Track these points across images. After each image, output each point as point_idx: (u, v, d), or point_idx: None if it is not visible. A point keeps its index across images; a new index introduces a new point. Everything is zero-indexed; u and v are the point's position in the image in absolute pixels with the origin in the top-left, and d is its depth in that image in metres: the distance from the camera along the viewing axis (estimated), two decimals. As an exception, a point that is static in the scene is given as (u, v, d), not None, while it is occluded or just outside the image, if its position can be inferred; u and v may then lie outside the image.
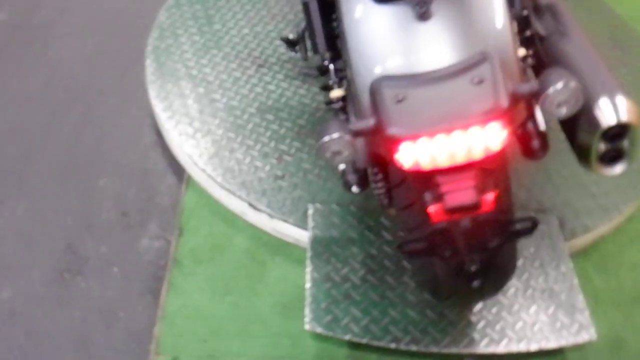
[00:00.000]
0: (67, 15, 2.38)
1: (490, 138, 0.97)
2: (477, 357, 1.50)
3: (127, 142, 1.98)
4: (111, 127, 2.01)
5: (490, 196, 1.00)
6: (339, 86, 1.35)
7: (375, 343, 1.48)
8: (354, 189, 1.35)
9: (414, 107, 0.98)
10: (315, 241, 1.65)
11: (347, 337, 1.49)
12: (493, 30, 1.08)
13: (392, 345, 1.48)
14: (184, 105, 1.93)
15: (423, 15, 1.05)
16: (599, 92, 1.15)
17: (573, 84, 0.96)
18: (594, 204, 1.77)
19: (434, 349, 1.49)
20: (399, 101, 0.99)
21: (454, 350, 1.49)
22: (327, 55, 1.39)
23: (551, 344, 1.51)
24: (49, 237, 1.74)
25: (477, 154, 0.97)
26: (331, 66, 1.39)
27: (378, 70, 1.07)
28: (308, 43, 1.46)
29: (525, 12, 1.32)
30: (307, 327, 1.50)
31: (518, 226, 1.12)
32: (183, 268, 1.68)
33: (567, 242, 1.69)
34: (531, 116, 1.20)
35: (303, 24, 1.51)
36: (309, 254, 1.62)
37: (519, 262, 1.63)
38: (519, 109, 1.06)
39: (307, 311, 1.52)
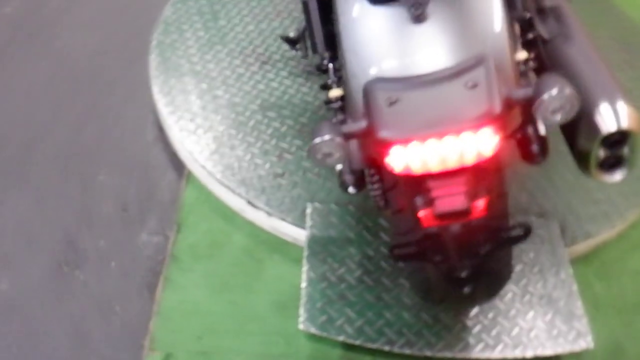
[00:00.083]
0: (73, 9, 2.39)
1: (482, 143, 0.95)
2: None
3: (130, 136, 1.98)
4: (114, 122, 2.02)
5: (481, 202, 0.99)
6: (338, 86, 1.34)
7: (369, 345, 1.48)
8: (350, 189, 1.34)
9: (406, 110, 0.97)
10: (313, 240, 1.64)
11: (341, 338, 1.49)
12: (489, 33, 1.06)
13: (386, 348, 1.48)
14: (186, 101, 1.93)
15: (418, 18, 1.03)
16: (600, 98, 1.13)
17: (568, 90, 0.94)
18: (596, 209, 1.75)
19: (428, 353, 1.48)
20: (392, 104, 0.98)
21: (448, 354, 1.48)
22: (326, 54, 1.38)
23: (547, 351, 1.49)
24: (48, 230, 1.75)
25: (469, 159, 0.96)
26: (330, 65, 1.38)
27: (372, 72, 1.06)
28: (308, 42, 1.45)
29: (527, 15, 1.30)
30: (301, 326, 1.49)
31: (511, 233, 1.10)
32: (181, 264, 1.68)
33: (567, 248, 1.67)
34: (531, 120, 1.18)
35: (304, 23, 1.50)
36: (305, 253, 1.62)
37: (518, 268, 1.62)
38: (514, 114, 1.05)
39: (301, 311, 1.52)
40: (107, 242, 1.73)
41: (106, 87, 2.12)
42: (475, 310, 1.54)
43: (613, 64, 2.01)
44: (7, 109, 2.06)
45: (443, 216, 0.97)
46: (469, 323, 1.53)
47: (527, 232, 1.11)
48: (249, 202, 1.73)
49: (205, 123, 1.88)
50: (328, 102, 1.42)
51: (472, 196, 0.98)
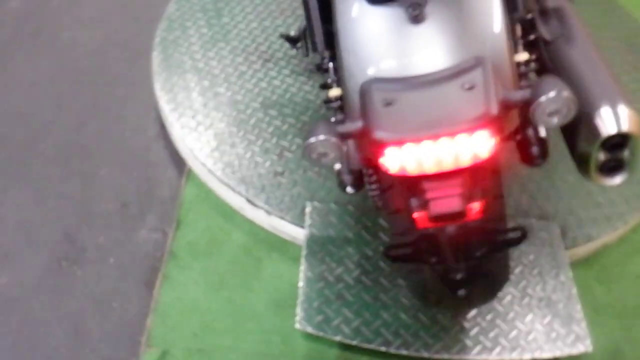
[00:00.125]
0: (77, 5, 2.40)
1: (478, 145, 0.95)
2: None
3: (131, 133, 1.99)
4: (116, 118, 2.02)
5: (477, 204, 0.98)
6: (338, 85, 1.34)
7: (366, 345, 1.47)
8: (349, 189, 1.34)
9: (402, 111, 0.96)
10: (311, 239, 1.64)
11: (338, 338, 1.49)
12: (488, 34, 1.06)
13: (383, 349, 1.47)
14: (188, 98, 1.93)
15: (416, 18, 1.03)
16: (601, 100, 1.12)
17: (566, 93, 0.93)
18: (598, 213, 1.74)
19: (425, 354, 1.47)
20: (388, 104, 0.97)
21: (445, 356, 1.47)
22: (326, 53, 1.37)
23: (545, 354, 1.48)
24: (48, 225, 1.76)
25: (465, 161, 0.95)
26: (330, 65, 1.37)
27: (369, 72, 1.05)
28: (309, 40, 1.45)
29: (529, 16, 1.29)
30: (297, 326, 1.49)
31: (506, 236, 1.09)
32: (179, 261, 1.69)
33: (568, 251, 1.66)
34: (530, 122, 1.17)
35: (305, 21, 1.50)
36: (304, 252, 1.61)
37: (517, 270, 1.61)
38: (512, 116, 1.04)
39: (298, 310, 1.51)
40: (107, 239, 1.74)
41: (109, 84, 2.12)
42: (473, 312, 1.53)
43: (617, 66, 2.01)
44: (10, 104, 2.07)
45: (438, 218, 0.96)
46: (467, 325, 1.52)
47: (523, 235, 1.10)
48: (249, 200, 1.72)
49: (207, 120, 1.88)
50: (328, 101, 1.41)
51: (468, 198, 0.97)
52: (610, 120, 1.09)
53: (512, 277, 1.60)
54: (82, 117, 2.02)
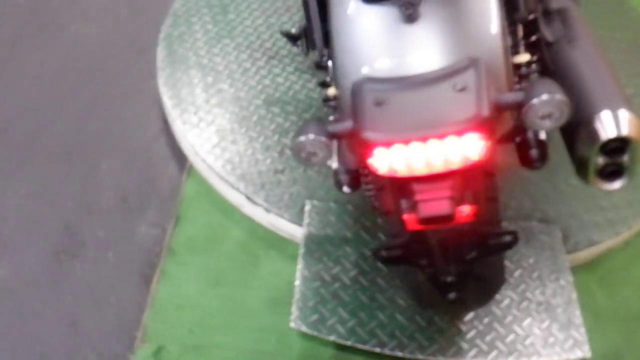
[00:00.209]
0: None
1: (468, 148, 0.93)
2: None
3: (134, 128, 1.99)
4: (119, 112, 2.03)
5: (467, 207, 0.97)
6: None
7: (360, 346, 1.46)
8: (345, 189, 1.33)
9: (392, 111, 0.95)
10: (309, 238, 1.63)
11: (332, 337, 1.48)
12: (483, 35, 1.04)
13: (377, 350, 1.46)
14: (191, 94, 1.93)
15: (410, 17, 1.01)
16: (601, 104, 1.10)
17: (559, 96, 0.91)
18: (601, 217, 1.71)
19: (420, 356, 1.46)
20: (378, 104, 0.96)
21: (440, 358, 1.46)
22: (325, 51, 1.37)
23: (542, 359, 1.46)
24: (48, 218, 1.77)
25: (455, 163, 0.94)
26: (329, 63, 1.36)
27: (362, 71, 1.04)
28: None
29: (531, 16, 1.27)
30: (292, 324, 1.48)
31: (498, 240, 1.08)
32: (177, 257, 1.69)
33: (569, 255, 1.64)
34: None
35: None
36: (301, 250, 1.61)
37: (517, 273, 1.59)
38: (505, 118, 1.02)
39: (293, 309, 1.51)
40: (106, 233, 1.74)
41: (113, 78, 2.13)
42: (470, 315, 1.52)
43: (625, 68, 1.98)
44: (15, 97, 2.08)
45: (426, 220, 0.95)
46: (464, 328, 1.51)
47: (515, 239, 1.08)
48: (248, 198, 1.72)
49: (209, 117, 1.88)
50: (326, 99, 1.41)
51: (457, 201, 0.95)
52: (610, 124, 1.07)
53: (511, 280, 1.58)
54: (85, 111, 2.03)
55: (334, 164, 1.33)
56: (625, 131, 1.06)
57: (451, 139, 0.92)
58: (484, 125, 0.92)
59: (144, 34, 2.23)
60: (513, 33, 1.30)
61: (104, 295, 1.62)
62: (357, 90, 1.00)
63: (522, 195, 1.73)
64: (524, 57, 1.28)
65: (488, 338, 1.49)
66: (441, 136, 0.91)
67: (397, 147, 0.93)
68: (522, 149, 1.20)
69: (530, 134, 1.20)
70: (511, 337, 1.49)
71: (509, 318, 1.52)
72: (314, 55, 1.63)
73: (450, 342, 1.48)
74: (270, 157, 1.79)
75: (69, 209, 1.79)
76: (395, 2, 1.02)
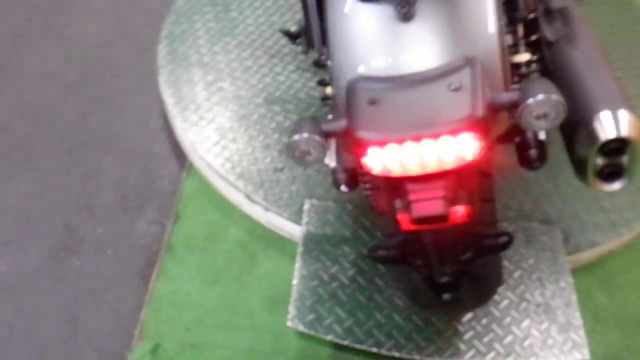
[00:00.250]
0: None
1: (462, 147, 0.92)
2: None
3: (135, 125, 1.99)
4: (120, 110, 2.03)
5: (461, 208, 0.96)
6: (335, 82, 1.32)
7: (357, 346, 1.46)
8: (343, 188, 1.32)
9: (386, 110, 0.94)
10: (308, 237, 1.63)
11: (329, 337, 1.47)
12: (480, 34, 1.03)
13: (374, 350, 1.45)
14: (191, 91, 1.93)
15: (405, 16, 1.00)
16: (601, 104, 1.09)
17: (555, 97, 0.90)
18: (603, 218, 1.69)
19: (417, 357, 1.45)
20: (372, 103, 0.95)
21: (437, 359, 1.45)
22: (324, 50, 1.36)
23: (540, 361, 1.46)
24: (49, 215, 1.78)
25: (449, 163, 0.93)
26: (329, 62, 1.36)
27: (358, 70, 1.03)
28: (309, 36, 1.43)
29: (532, 16, 1.26)
30: (289, 323, 1.48)
31: (493, 240, 1.07)
32: (175, 255, 1.69)
33: (570, 256, 1.62)
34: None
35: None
36: (299, 249, 1.60)
37: (516, 274, 1.58)
38: (501, 119, 1.01)
39: (290, 308, 1.50)
40: (105, 230, 1.75)
41: (115, 76, 2.14)
42: (468, 316, 1.51)
43: (631, 69, 1.96)
44: (18, 93, 2.09)
45: (420, 220, 0.94)
46: (461, 328, 1.50)
47: (509, 241, 1.07)
48: (247, 196, 1.72)
49: (209, 115, 1.87)
50: (325, 98, 1.40)
51: (451, 201, 0.95)
52: (609, 124, 1.06)
53: (510, 281, 1.57)
54: (87, 108, 2.04)
55: (332, 162, 1.33)
56: (624, 132, 1.05)
57: (445, 139, 0.91)
58: (479, 125, 0.91)
59: (146, 31, 2.24)
60: (513, 32, 1.30)
61: (102, 292, 1.62)
62: (351, 88, 0.99)
63: (524, 196, 1.72)
64: (524, 57, 1.27)
65: (486, 339, 1.48)
66: (435, 136, 0.90)
67: (391, 147, 0.92)
68: (522, 149, 1.19)
69: (529, 134, 1.19)
70: (509, 338, 1.48)
71: (508, 319, 1.51)
72: (313, 54, 1.63)
73: (448, 342, 1.47)
74: (269, 156, 1.79)
75: (69, 206, 1.79)
76: (391, 0, 1.02)
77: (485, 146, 0.94)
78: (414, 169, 0.94)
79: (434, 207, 0.93)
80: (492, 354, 1.46)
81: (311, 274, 1.56)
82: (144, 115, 2.02)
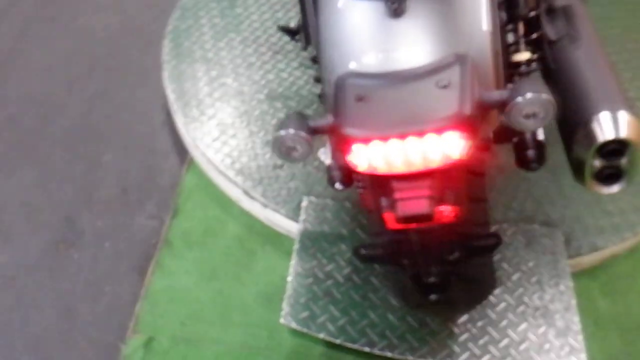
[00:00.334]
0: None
1: (449, 146, 0.91)
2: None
3: (137, 120, 2.00)
4: (124, 104, 2.04)
5: (448, 207, 0.95)
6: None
7: (349, 345, 1.45)
8: (337, 185, 1.31)
9: (372, 107, 0.93)
10: (304, 234, 1.62)
11: (322, 335, 1.46)
12: (472, 32, 1.01)
13: (366, 349, 1.44)
14: (194, 87, 1.93)
15: (396, 12, 0.99)
16: (600, 105, 1.07)
17: (545, 96, 0.88)
18: (606, 221, 1.66)
19: (410, 358, 1.43)
20: (359, 100, 0.94)
21: (430, 361, 1.44)
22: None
23: (536, 365, 1.43)
24: (50, 208, 1.79)
25: (435, 162, 0.91)
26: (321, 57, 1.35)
27: (349, 66, 1.02)
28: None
29: (533, 13, 1.24)
30: (282, 320, 1.48)
31: (480, 242, 1.05)
32: (173, 249, 1.69)
33: (571, 260, 1.60)
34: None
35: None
36: (296, 246, 1.60)
37: (515, 277, 1.55)
38: (491, 118, 0.99)
39: (284, 305, 1.50)
40: (105, 223, 1.76)
41: (120, 70, 2.15)
42: (464, 318, 1.49)
43: (630, 68, 1.92)
44: (23, 87, 2.11)
45: (405, 219, 0.93)
46: (456, 330, 1.48)
47: (497, 242, 1.05)
48: (245, 192, 1.72)
49: (210, 110, 1.87)
50: (321, 94, 1.39)
51: (437, 201, 0.93)
52: (608, 125, 1.03)
53: (508, 284, 1.54)
54: (92, 102, 2.05)
55: (328, 160, 1.32)
56: (623, 133, 1.02)
57: (431, 137, 0.89)
58: (466, 123, 0.89)
59: (152, 26, 2.24)
60: (514, 30, 1.27)
61: (99, 285, 1.63)
62: (339, 85, 0.98)
63: (525, 197, 1.69)
64: (524, 55, 1.25)
65: (481, 342, 1.46)
66: (420, 134, 0.89)
67: (376, 144, 0.91)
68: (519, 150, 1.17)
69: (528, 135, 1.17)
70: (505, 341, 1.46)
71: (504, 322, 1.49)
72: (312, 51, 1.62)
73: (442, 344, 1.46)
74: (269, 152, 1.78)
75: (70, 199, 1.81)
76: (382, -4, 1.00)
77: (474, 145, 0.93)
78: (399, 167, 0.92)
79: (419, 206, 0.92)
80: (487, 357, 1.44)
81: (306, 271, 1.56)
82: (147, 110, 2.03)
